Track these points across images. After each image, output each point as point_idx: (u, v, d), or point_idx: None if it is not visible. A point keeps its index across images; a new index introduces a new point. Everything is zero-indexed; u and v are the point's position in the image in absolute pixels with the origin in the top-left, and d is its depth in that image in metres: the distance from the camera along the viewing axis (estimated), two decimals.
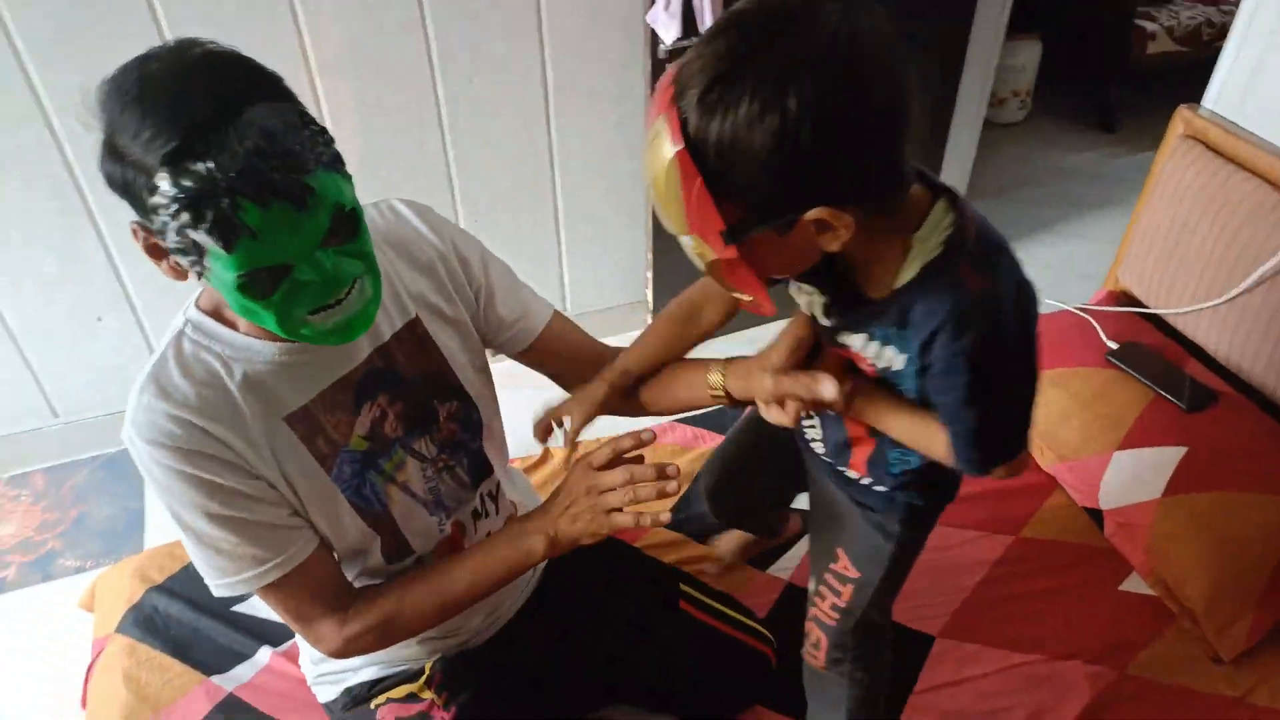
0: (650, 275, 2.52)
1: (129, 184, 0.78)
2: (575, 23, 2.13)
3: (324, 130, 0.83)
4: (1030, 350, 0.86)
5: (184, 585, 1.48)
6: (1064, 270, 2.78)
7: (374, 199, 1.10)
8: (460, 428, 1.12)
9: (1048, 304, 2.08)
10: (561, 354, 1.19)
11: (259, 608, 1.45)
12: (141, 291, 2.12)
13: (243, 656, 1.40)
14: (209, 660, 1.39)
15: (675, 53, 2.07)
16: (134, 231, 0.84)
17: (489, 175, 2.28)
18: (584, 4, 2.10)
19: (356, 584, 1.10)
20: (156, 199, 0.76)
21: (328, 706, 1.24)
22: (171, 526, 0.96)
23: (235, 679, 1.36)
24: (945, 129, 2.67)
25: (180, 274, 0.85)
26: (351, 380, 1.01)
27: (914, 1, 1.78)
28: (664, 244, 2.44)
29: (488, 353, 1.18)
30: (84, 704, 1.42)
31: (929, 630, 1.47)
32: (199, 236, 0.77)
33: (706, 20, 2.03)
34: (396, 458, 1.06)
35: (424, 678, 1.20)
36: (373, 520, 1.05)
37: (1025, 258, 0.85)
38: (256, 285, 0.81)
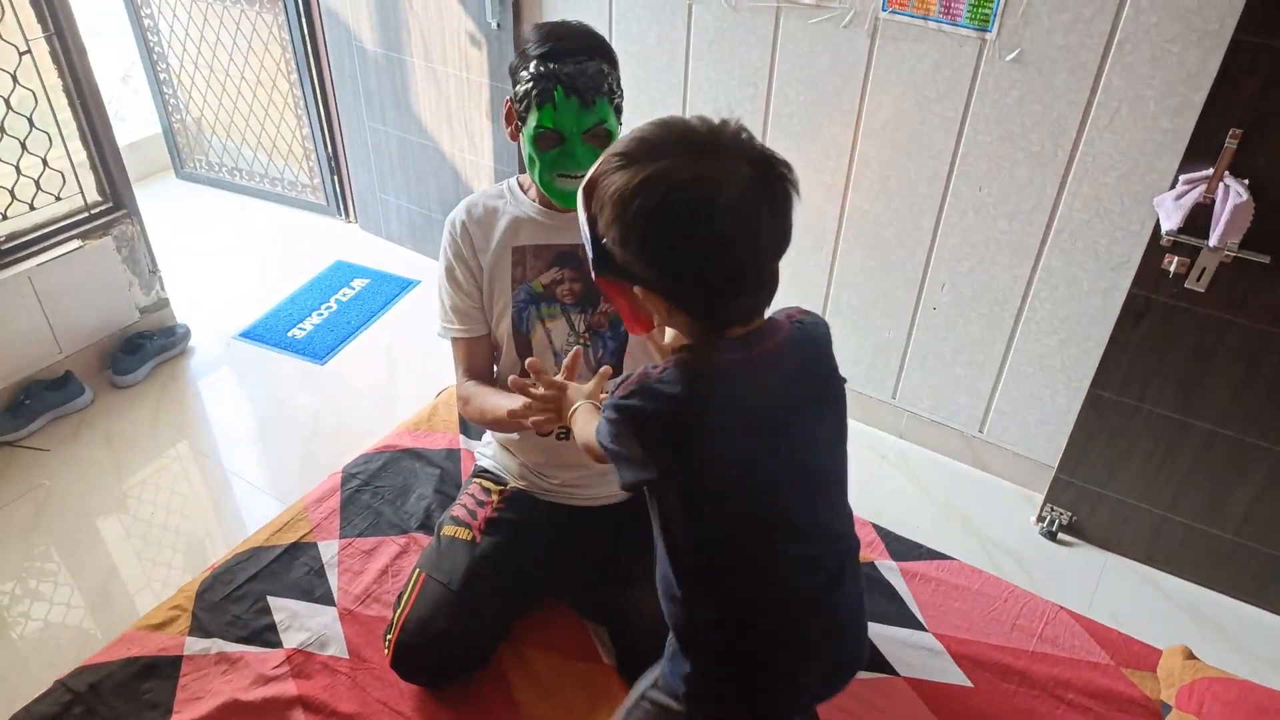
0: (1065, 445, 2.36)
1: (514, 69, 1.43)
2: (1102, 178, 2.11)
3: (620, 88, 1.46)
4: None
5: None
6: None
7: None
8: (608, 325, 1.55)
9: None
10: None
11: None
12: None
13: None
14: (470, 428, 2.05)
15: (1176, 243, 1.93)
16: (505, 103, 1.47)
17: (962, 281, 2.41)
18: (1120, 162, 2.07)
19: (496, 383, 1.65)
20: (524, 73, 1.39)
21: (471, 472, 1.79)
22: None
23: (469, 445, 2.00)
24: None
25: (514, 136, 1.47)
26: (557, 249, 1.53)
27: None
28: (1094, 410, 2.28)
29: None
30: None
31: None
32: (532, 95, 1.37)
33: (1219, 229, 1.86)
34: (553, 310, 1.55)
35: (501, 488, 1.67)
36: (516, 337, 1.56)
37: None
38: (542, 140, 1.40)
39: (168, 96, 3.79)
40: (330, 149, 3.60)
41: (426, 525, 1.79)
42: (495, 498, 1.64)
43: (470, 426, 2.05)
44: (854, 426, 2.74)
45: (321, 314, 3.27)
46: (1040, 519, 2.47)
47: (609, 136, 1.43)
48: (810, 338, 1.02)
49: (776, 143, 2.54)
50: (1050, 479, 2.42)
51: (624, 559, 1.59)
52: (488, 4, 2.77)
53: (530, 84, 1.37)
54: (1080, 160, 2.13)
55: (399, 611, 1.51)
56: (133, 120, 4.13)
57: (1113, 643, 1.61)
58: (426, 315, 3.27)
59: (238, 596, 1.62)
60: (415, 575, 1.55)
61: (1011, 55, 2.10)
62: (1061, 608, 1.68)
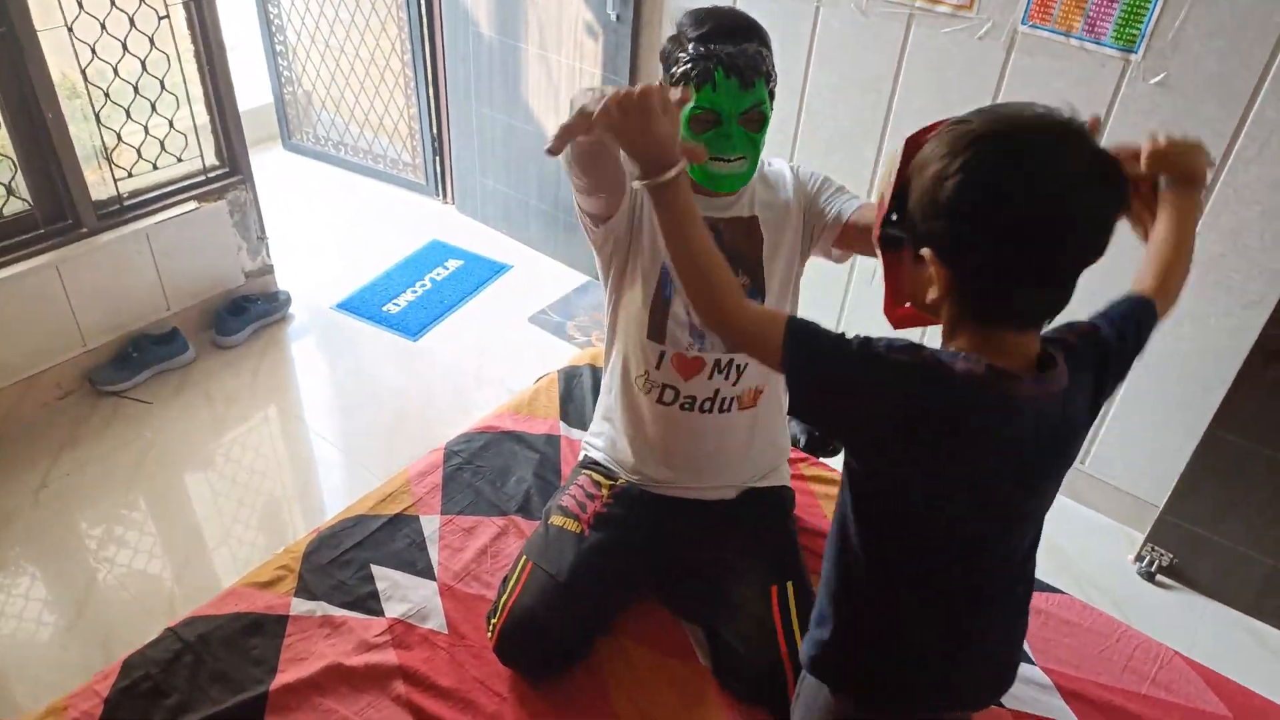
0: (1174, 485, 2.26)
1: (668, 54, 1.40)
2: (1243, 212, 2.03)
3: (775, 72, 1.41)
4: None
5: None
6: None
7: None
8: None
9: None
10: (862, 230, 1.42)
11: None
12: None
13: (584, 427, 2.00)
14: (570, 414, 2.05)
15: None
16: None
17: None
18: (1265, 196, 1.99)
19: (621, 349, 1.60)
20: (680, 54, 1.36)
21: (579, 463, 1.76)
22: None
23: (569, 432, 1.99)
24: None
25: None
26: (710, 220, 1.44)
27: None
28: (1210, 450, 2.19)
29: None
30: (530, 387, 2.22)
31: None
32: (691, 76, 1.33)
33: None
34: None
35: (612, 483, 1.65)
36: (656, 301, 1.51)
37: None
38: (698, 122, 1.36)
39: (282, 69, 3.88)
40: (435, 130, 3.65)
41: (525, 509, 1.80)
42: (605, 493, 1.63)
43: (571, 412, 2.05)
44: None
45: (416, 291, 3.31)
46: (1139, 558, 2.38)
47: (764, 121, 1.39)
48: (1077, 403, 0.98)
49: (892, 151, 2.49)
50: (1154, 518, 2.33)
51: (729, 554, 1.58)
52: None
53: (690, 64, 1.34)
54: (1220, 191, 2.04)
55: (504, 597, 1.51)
56: (240, 90, 4.22)
57: (1231, 694, 1.54)
58: (518, 300, 3.29)
59: (343, 562, 1.64)
60: (522, 562, 1.55)
61: (1156, 79, 2.03)
62: (1177, 653, 1.61)
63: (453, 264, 3.49)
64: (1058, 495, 1.05)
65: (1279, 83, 1.88)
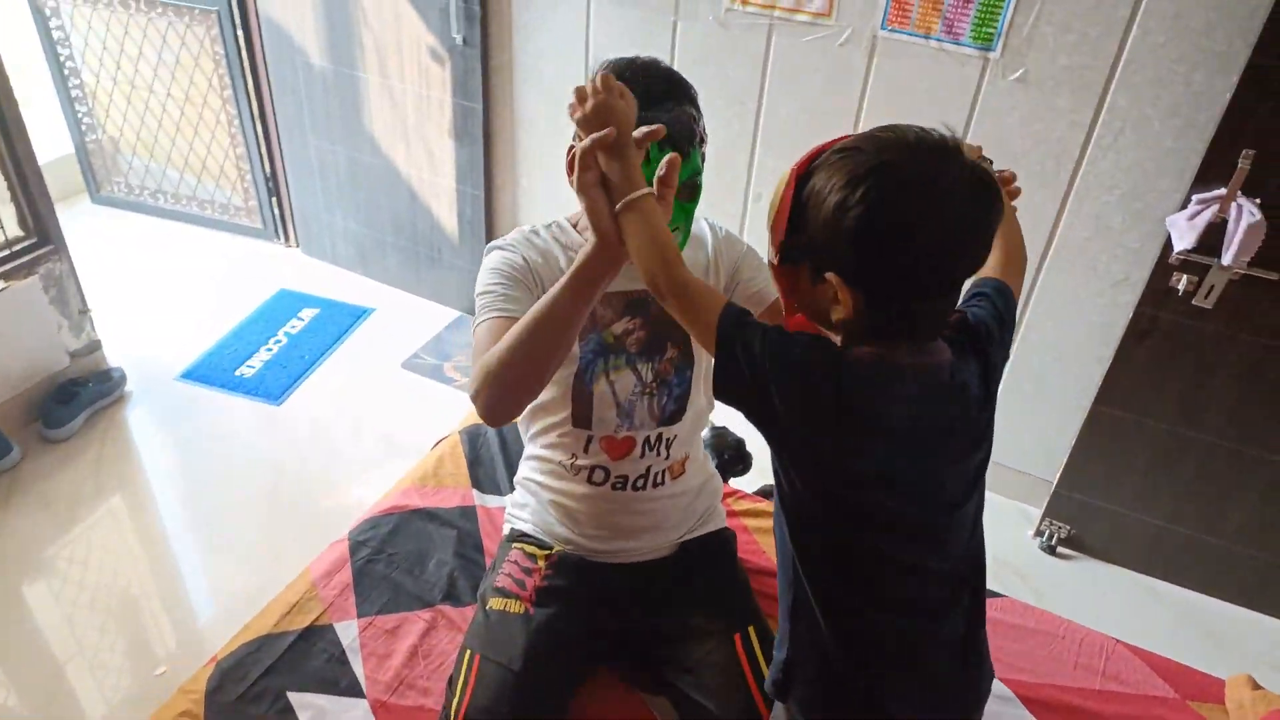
0: (1065, 461, 2.36)
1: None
2: (1104, 197, 2.12)
3: (705, 134, 1.31)
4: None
5: (509, 432, 2.02)
6: None
7: None
8: (674, 372, 1.43)
9: None
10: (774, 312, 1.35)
11: None
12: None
13: (499, 492, 1.88)
14: (482, 480, 1.90)
15: (1186, 261, 1.94)
16: (569, 151, 1.26)
17: None
18: (1122, 181, 2.08)
19: (541, 436, 1.48)
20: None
21: (505, 537, 1.62)
22: None
23: (484, 501, 1.85)
24: None
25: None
26: (628, 295, 1.39)
27: None
28: (1096, 425, 2.28)
29: None
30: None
31: None
32: None
33: (1233, 248, 1.87)
34: (619, 362, 1.40)
35: (547, 552, 1.52)
36: (577, 388, 1.40)
37: None
38: None
39: (81, 115, 3.48)
40: (268, 169, 3.36)
41: (452, 595, 1.64)
42: (542, 564, 1.51)
43: (482, 477, 1.90)
44: None
45: (271, 349, 3.04)
46: (1039, 533, 2.48)
47: (697, 190, 1.30)
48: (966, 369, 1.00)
49: (765, 162, 2.48)
50: (1049, 493, 2.43)
51: (682, 612, 1.49)
52: (453, 19, 2.62)
53: None
54: (1082, 179, 2.13)
55: (456, 701, 1.36)
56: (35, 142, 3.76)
57: (1173, 674, 1.60)
58: (386, 346, 3.08)
59: (255, 695, 1.44)
60: (468, 657, 1.41)
61: (1015, 75, 2.08)
62: (1119, 641, 1.66)
63: (307, 314, 3.23)
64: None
65: (1129, 72, 1.97)
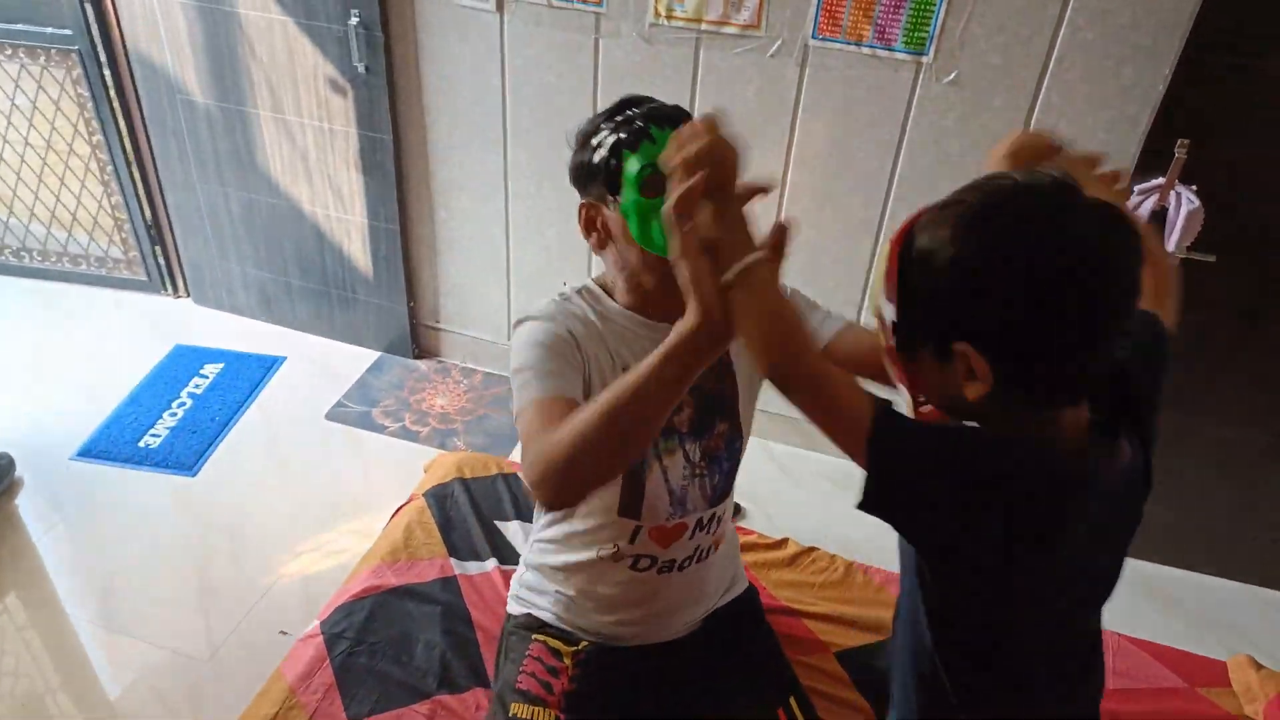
0: None
1: (583, 167, 1.16)
2: None
3: None
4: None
5: (479, 489, 1.90)
6: None
7: None
8: (724, 446, 1.31)
9: None
10: (849, 358, 1.21)
11: (514, 534, 1.81)
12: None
13: (480, 557, 1.76)
14: (458, 546, 1.78)
15: None
16: (580, 209, 1.18)
17: None
18: None
19: (568, 523, 1.34)
20: (598, 138, 1.14)
21: (508, 617, 1.49)
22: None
23: (464, 569, 1.73)
24: None
25: (602, 244, 1.19)
26: None
27: None
28: None
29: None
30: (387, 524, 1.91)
31: None
32: (623, 142, 1.11)
33: (1176, 235, 1.93)
34: (671, 445, 1.27)
35: (575, 648, 1.40)
36: (627, 478, 1.26)
37: None
38: (650, 184, 1.09)
39: None
40: (149, 216, 3.08)
41: (448, 681, 1.51)
42: (568, 662, 1.38)
43: (458, 543, 1.77)
44: (805, 454, 2.68)
45: (175, 413, 2.79)
46: None
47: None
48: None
49: None
50: None
51: (721, 688, 1.41)
52: (354, 47, 2.44)
53: (615, 135, 1.13)
54: None
55: None
56: None
57: (1177, 662, 1.63)
58: (305, 396, 2.87)
59: None
60: None
61: (949, 78, 2.09)
62: (1119, 634, 1.67)
63: (211, 369, 2.97)
64: None
65: (1061, 69, 2.00)
